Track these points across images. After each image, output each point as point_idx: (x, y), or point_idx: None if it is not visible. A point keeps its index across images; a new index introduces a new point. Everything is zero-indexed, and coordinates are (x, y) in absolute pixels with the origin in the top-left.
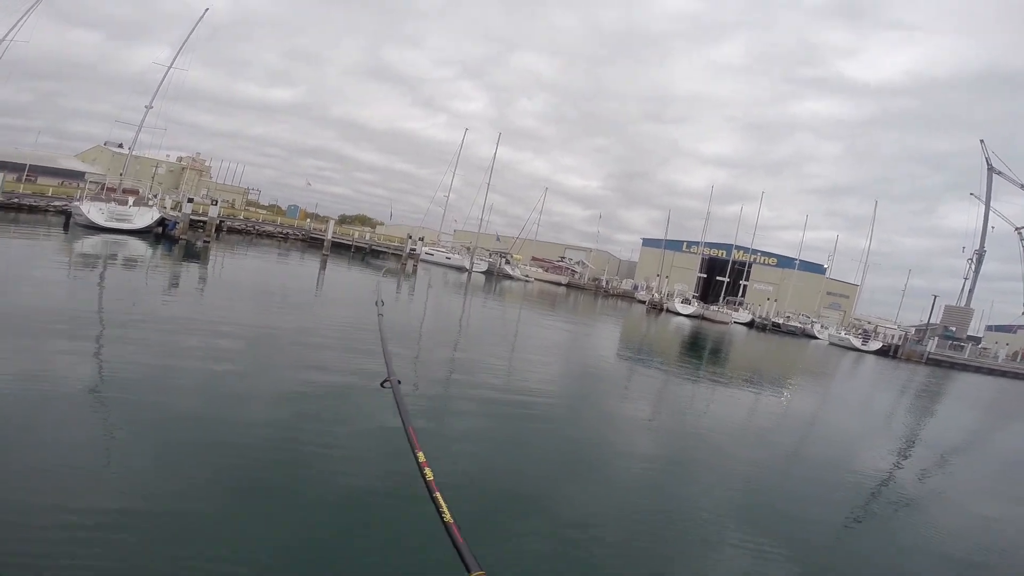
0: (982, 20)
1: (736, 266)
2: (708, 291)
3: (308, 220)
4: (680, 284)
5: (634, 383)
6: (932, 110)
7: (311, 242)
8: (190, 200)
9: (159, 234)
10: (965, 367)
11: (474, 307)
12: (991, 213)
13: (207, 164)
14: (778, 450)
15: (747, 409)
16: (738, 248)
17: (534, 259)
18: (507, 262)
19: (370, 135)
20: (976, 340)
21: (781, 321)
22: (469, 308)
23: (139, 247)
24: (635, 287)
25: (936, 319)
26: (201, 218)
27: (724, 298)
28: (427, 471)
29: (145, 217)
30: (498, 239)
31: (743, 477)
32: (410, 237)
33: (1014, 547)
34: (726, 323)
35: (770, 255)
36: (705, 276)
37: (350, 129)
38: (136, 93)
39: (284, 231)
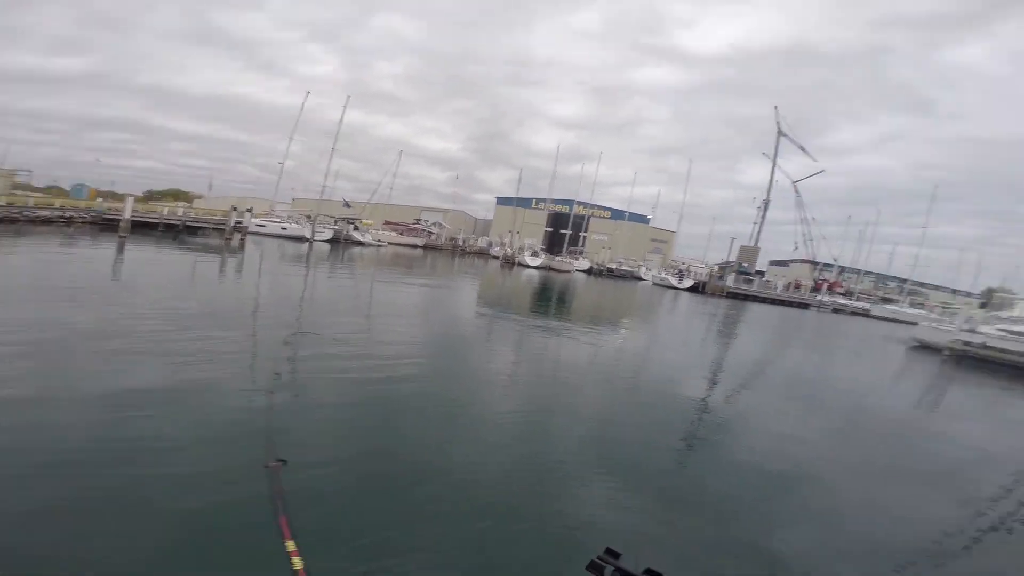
0: (788, 1)
1: (577, 220)
2: (554, 244)
3: (100, 200)
4: (529, 239)
5: (494, 335)
6: (744, 79)
7: (106, 224)
8: None
9: None
10: (755, 297)
11: (318, 278)
12: (777, 170)
13: None
14: (620, 384)
15: (591, 348)
16: (579, 203)
17: (386, 223)
18: (356, 228)
19: (188, 103)
20: (761, 274)
21: (614, 267)
22: (313, 280)
23: None
24: (489, 244)
25: (733, 258)
26: None
27: (567, 249)
28: (295, 560)
29: None
30: (347, 204)
31: (595, 413)
32: (235, 209)
33: (802, 448)
34: (569, 271)
35: (605, 209)
36: (551, 230)
37: (161, 97)
38: None
39: (66, 215)
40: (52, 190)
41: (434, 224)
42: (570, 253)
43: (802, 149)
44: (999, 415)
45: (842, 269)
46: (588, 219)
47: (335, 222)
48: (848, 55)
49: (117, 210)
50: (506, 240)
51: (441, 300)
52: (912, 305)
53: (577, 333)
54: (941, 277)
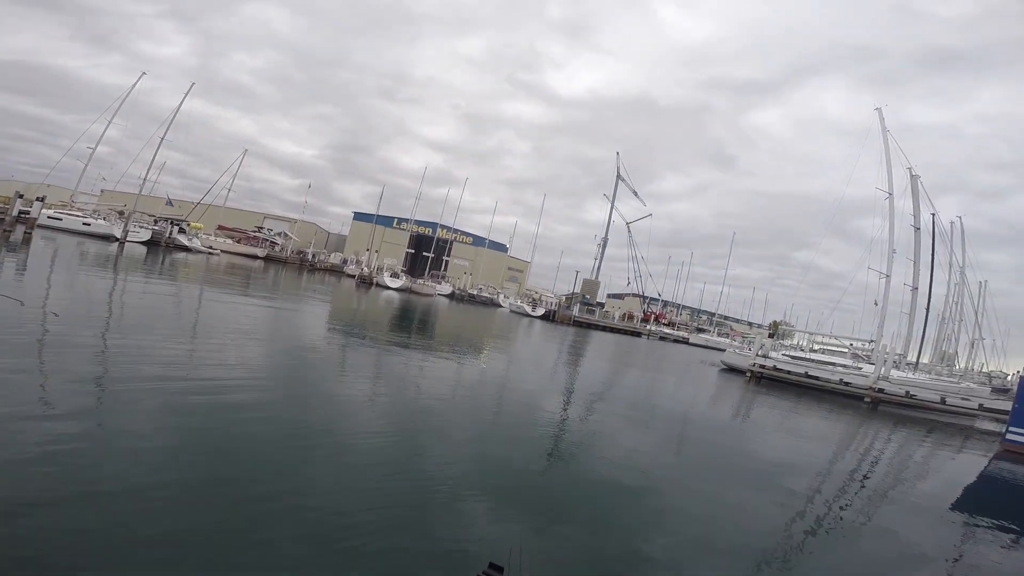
0: (648, 55)
1: (440, 243)
2: (415, 265)
3: None
4: (390, 259)
5: (352, 359)
6: (596, 124)
7: None
8: None
9: None
10: (596, 326)
11: (132, 287)
12: (614, 211)
13: None
14: (483, 406)
15: (454, 373)
16: (443, 227)
17: (221, 228)
18: (181, 231)
19: None
20: (602, 305)
21: (475, 292)
22: (125, 288)
23: None
24: (344, 261)
25: (578, 289)
26: None
27: (429, 272)
28: None
29: None
30: (169, 203)
31: (459, 435)
32: (20, 196)
33: (642, 455)
34: (431, 295)
35: (468, 234)
36: (413, 252)
37: None
38: None
39: None
40: None
41: (279, 234)
42: (432, 276)
43: (635, 194)
44: (793, 426)
45: (665, 303)
46: (451, 243)
47: (155, 222)
48: (679, 110)
49: None
50: (363, 258)
51: (288, 321)
52: (719, 334)
53: (442, 356)
54: (740, 311)
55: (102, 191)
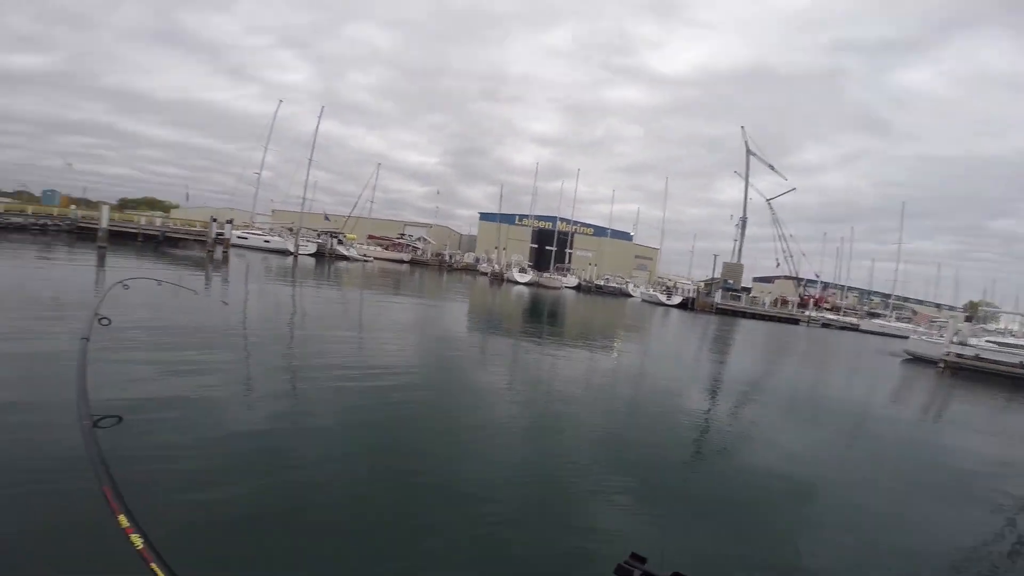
0: (754, 23)
1: (561, 236)
2: (540, 260)
3: (73, 207)
4: (516, 255)
5: (491, 354)
6: (711, 99)
7: (81, 233)
8: None
9: None
10: (744, 313)
11: (309, 293)
12: (749, 188)
13: None
14: (621, 399)
15: (589, 364)
16: (562, 220)
17: (371, 237)
18: (340, 242)
19: (156, 107)
20: (748, 290)
21: (602, 283)
22: (304, 295)
23: None
24: (477, 260)
25: (718, 274)
26: None
27: (554, 265)
28: (134, 538)
29: None
30: (327, 218)
31: (596, 439)
32: (215, 220)
33: (809, 457)
34: (558, 288)
35: (588, 226)
36: (536, 246)
37: (128, 100)
38: None
39: (40, 222)
40: (21, 195)
41: (419, 239)
42: (558, 270)
43: (771, 168)
44: (1007, 426)
45: (825, 285)
46: (572, 235)
47: (318, 235)
48: (806, 77)
49: (92, 219)
50: (493, 256)
51: (436, 316)
52: (899, 319)
53: (577, 349)
54: (922, 291)
55: (272, 211)
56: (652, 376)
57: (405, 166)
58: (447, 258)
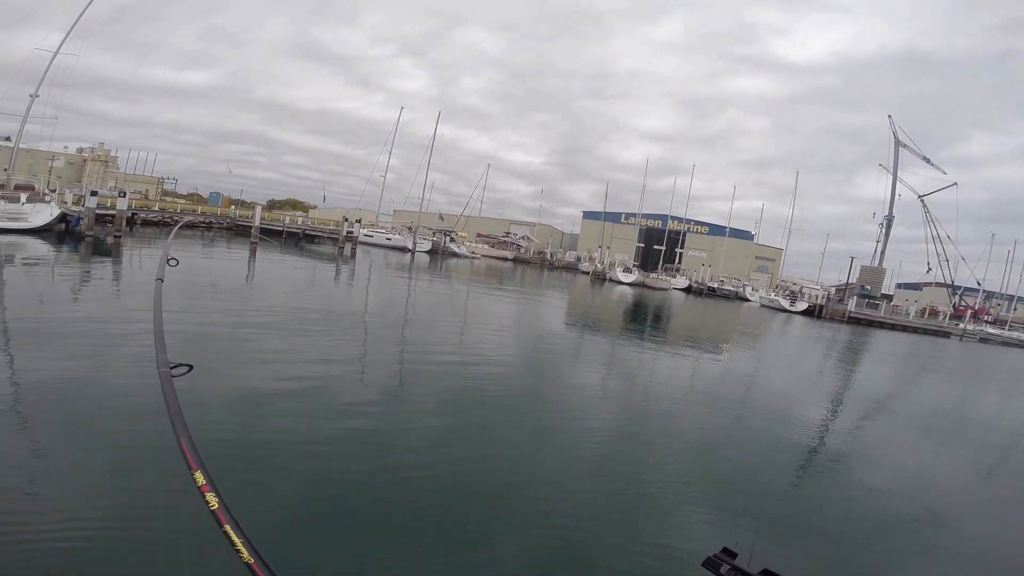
0: (902, 6)
1: (671, 235)
2: (647, 260)
3: (232, 207)
4: (620, 254)
5: (587, 353)
6: (852, 88)
7: (237, 230)
8: (94, 193)
9: (62, 232)
10: (882, 324)
11: (421, 286)
12: (898, 183)
13: (112, 155)
14: (726, 412)
15: (693, 372)
16: (673, 218)
17: (479, 236)
18: (452, 240)
19: (298, 116)
20: (888, 298)
21: (716, 285)
22: (416, 288)
23: (39, 247)
24: (578, 259)
25: (853, 279)
26: (109, 212)
27: (662, 266)
28: (209, 497)
29: (43, 214)
30: (441, 218)
31: (696, 441)
32: (346, 220)
33: (934, 486)
34: (666, 289)
35: (702, 224)
36: (643, 245)
37: (276, 111)
38: (20, 82)
39: (207, 220)
40: (193, 196)
41: (523, 237)
42: (666, 270)
43: (926, 160)
44: None
45: (989, 294)
46: (684, 234)
47: (433, 234)
48: (970, 62)
49: (246, 217)
50: (595, 255)
51: (535, 314)
52: None
53: (679, 353)
54: None
55: (394, 211)
56: (762, 389)
57: (512, 166)
58: (548, 256)
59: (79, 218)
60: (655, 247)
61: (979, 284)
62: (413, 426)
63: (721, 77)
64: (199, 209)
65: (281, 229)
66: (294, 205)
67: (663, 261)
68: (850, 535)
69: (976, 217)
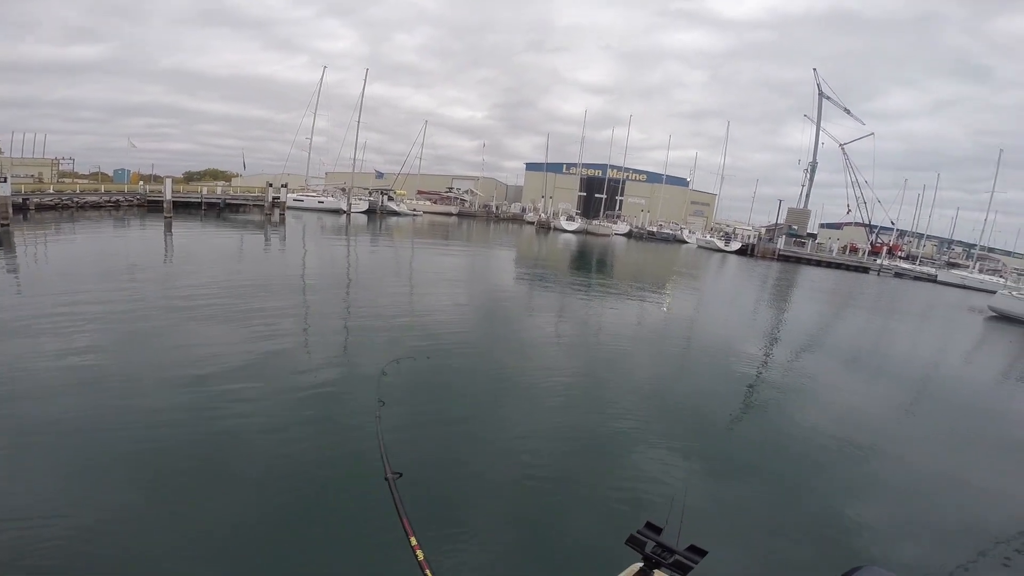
0: None
1: (611, 184)
2: (589, 208)
3: (142, 183)
4: (564, 203)
5: (537, 302)
6: (785, 43)
7: (150, 206)
8: None
9: None
10: (808, 261)
11: (361, 248)
12: (821, 133)
13: None
14: (671, 349)
15: (640, 314)
16: (612, 167)
17: (420, 192)
18: (390, 199)
19: (212, 84)
20: (813, 236)
21: (655, 230)
22: (356, 250)
23: None
24: (523, 210)
25: (781, 220)
26: None
27: (603, 213)
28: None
29: None
30: (380, 176)
31: (642, 383)
32: (270, 185)
33: (864, 420)
34: (608, 235)
35: (640, 172)
36: (585, 194)
37: (186, 80)
38: None
39: (114, 198)
40: (97, 176)
41: (466, 192)
42: (607, 217)
43: (847, 112)
44: None
45: (901, 233)
46: (624, 182)
47: (369, 194)
48: (893, 21)
49: (159, 192)
50: (539, 205)
51: (484, 266)
52: (984, 271)
53: (624, 296)
54: (1012, 243)
55: (326, 173)
56: (703, 327)
57: (453, 122)
58: (494, 209)
59: None
60: (596, 195)
61: (893, 224)
62: (368, 395)
63: (659, 31)
64: (102, 188)
65: (199, 201)
66: (214, 175)
67: (604, 208)
68: (785, 482)
69: (891, 164)
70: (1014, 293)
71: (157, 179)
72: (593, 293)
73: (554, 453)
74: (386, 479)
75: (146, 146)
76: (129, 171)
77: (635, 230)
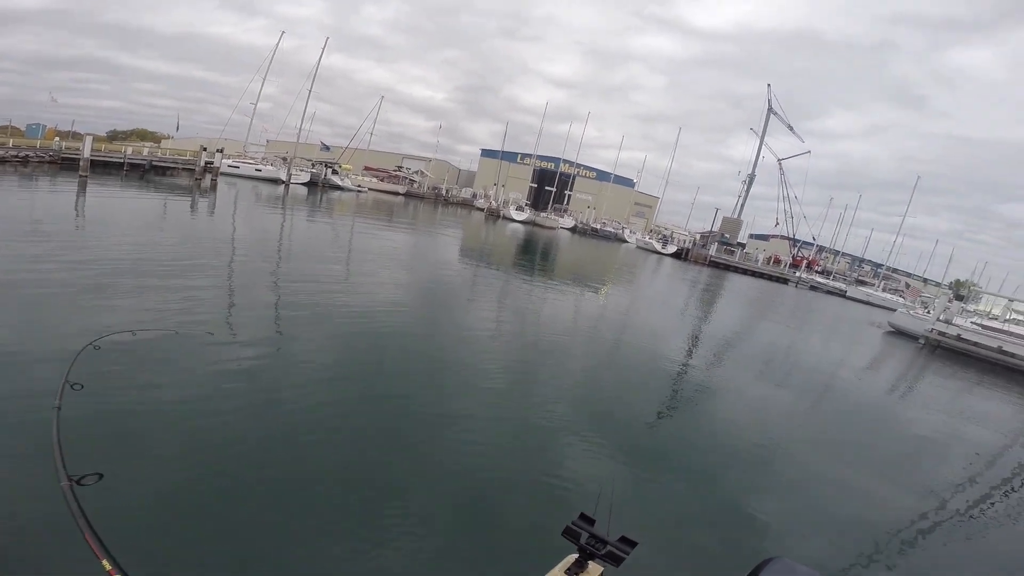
0: None
1: (562, 177)
2: (539, 199)
3: (58, 139)
4: (515, 193)
5: (478, 288)
6: (747, 58)
7: (64, 164)
8: None
9: None
10: (736, 268)
11: (297, 222)
12: (764, 147)
13: None
14: (604, 344)
15: (577, 308)
16: (565, 162)
17: (367, 169)
18: (334, 172)
19: (156, 42)
20: (743, 246)
21: (598, 227)
22: (292, 223)
23: None
24: (474, 196)
25: (716, 228)
26: None
27: (552, 206)
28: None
29: None
30: (325, 148)
31: (571, 374)
32: (204, 149)
33: (772, 421)
34: (554, 228)
35: (591, 169)
36: (536, 186)
37: (127, 36)
38: None
39: (22, 154)
40: (7, 129)
41: (416, 172)
42: (555, 210)
43: (790, 128)
44: (968, 407)
45: (820, 248)
46: (574, 178)
47: (312, 165)
48: (852, 46)
49: (77, 149)
50: (491, 192)
51: (427, 250)
52: (886, 289)
53: (564, 290)
54: (914, 265)
55: (267, 141)
56: (634, 325)
57: (411, 100)
58: (443, 192)
59: None
60: (547, 188)
61: (814, 239)
62: (301, 378)
63: (630, 33)
64: (9, 142)
65: (122, 161)
66: (142, 136)
67: (553, 201)
68: (700, 478)
69: (821, 183)
70: (911, 312)
71: (77, 136)
72: (535, 284)
73: (484, 444)
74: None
75: (71, 101)
76: (45, 127)
77: (580, 225)
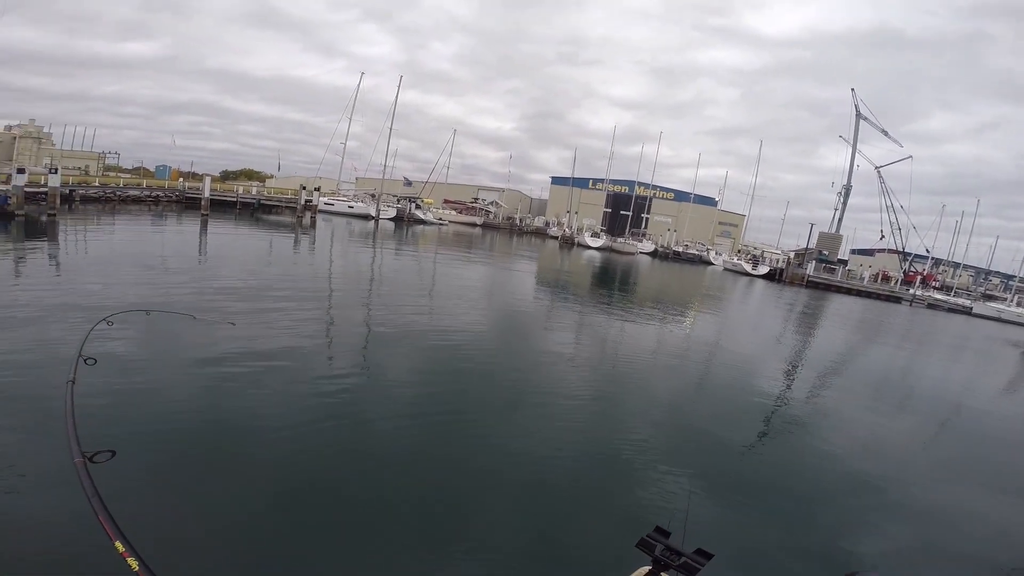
0: None
1: (638, 201)
2: (614, 225)
3: (181, 180)
4: (588, 219)
5: (558, 318)
6: (821, 62)
7: (188, 203)
8: (21, 171)
9: None
10: (838, 288)
11: (387, 255)
12: (857, 155)
13: (46, 131)
14: (692, 371)
15: (660, 338)
16: (640, 184)
17: (446, 202)
18: (417, 207)
19: (254, 85)
20: (844, 263)
21: (680, 249)
22: (383, 256)
23: None
24: (547, 224)
25: (812, 245)
26: (41, 190)
27: (629, 230)
28: (131, 562)
29: None
30: (408, 183)
31: (659, 402)
32: (303, 188)
33: (885, 449)
34: (632, 253)
35: (668, 190)
36: (610, 211)
37: (230, 80)
38: None
39: (154, 194)
40: (139, 171)
41: (491, 203)
42: (633, 235)
43: (885, 134)
44: None
45: (937, 261)
46: (651, 200)
47: (397, 201)
48: (937, 42)
49: (197, 189)
50: (564, 220)
51: (506, 280)
52: (1021, 304)
53: (646, 317)
54: None
55: (356, 179)
56: (726, 350)
57: (481, 132)
58: (517, 221)
59: (7, 197)
60: (622, 212)
61: (928, 252)
62: (387, 402)
63: (693, 47)
64: (144, 183)
65: (235, 200)
66: (249, 175)
67: (630, 226)
68: (793, 505)
69: (928, 189)
70: None
71: (195, 176)
72: (614, 312)
73: (564, 461)
74: None
75: (187, 143)
76: (170, 168)
77: (660, 249)
